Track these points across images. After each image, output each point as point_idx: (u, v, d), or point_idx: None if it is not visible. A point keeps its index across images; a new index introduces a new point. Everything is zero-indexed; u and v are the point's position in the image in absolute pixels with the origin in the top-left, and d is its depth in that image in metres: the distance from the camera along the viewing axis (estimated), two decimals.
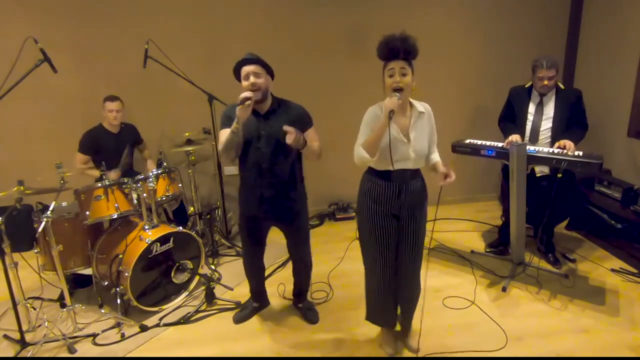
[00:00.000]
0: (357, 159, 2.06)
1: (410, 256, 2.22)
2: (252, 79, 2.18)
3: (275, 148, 2.25)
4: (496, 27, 4.25)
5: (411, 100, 2.13)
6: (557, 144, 2.82)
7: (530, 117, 3.05)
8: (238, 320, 2.72)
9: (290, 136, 2.10)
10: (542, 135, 3.01)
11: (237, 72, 2.26)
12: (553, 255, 3.30)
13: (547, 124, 3.01)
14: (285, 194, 2.36)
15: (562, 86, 3.04)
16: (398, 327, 2.49)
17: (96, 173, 3.34)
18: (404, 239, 2.20)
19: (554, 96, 3.02)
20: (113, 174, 3.21)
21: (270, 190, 2.32)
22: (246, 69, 2.20)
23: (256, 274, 2.71)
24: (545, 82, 2.93)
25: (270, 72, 2.28)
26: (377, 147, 1.99)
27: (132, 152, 3.61)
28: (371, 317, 2.43)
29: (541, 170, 3.07)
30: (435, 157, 2.26)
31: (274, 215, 2.40)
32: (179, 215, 3.73)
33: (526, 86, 3.12)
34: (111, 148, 3.40)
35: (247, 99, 2.10)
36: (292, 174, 2.37)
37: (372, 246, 2.19)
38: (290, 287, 2.84)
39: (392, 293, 2.29)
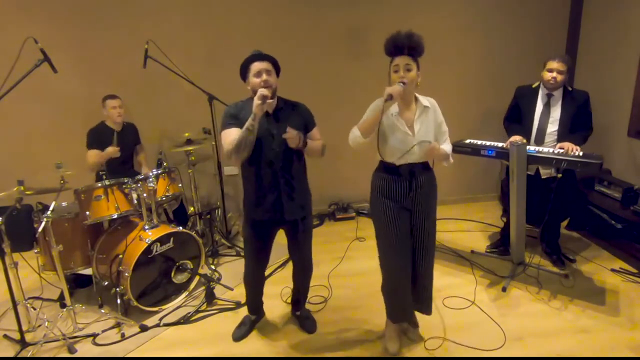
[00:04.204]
0: (350, 139, 2.14)
1: (424, 247, 2.29)
2: (264, 76, 2.12)
3: (288, 147, 2.18)
4: (496, 27, 4.25)
5: (416, 95, 2.18)
6: (558, 146, 2.82)
7: (537, 118, 3.02)
8: (238, 338, 2.60)
9: (294, 140, 2.11)
10: (548, 137, 2.99)
11: (245, 68, 2.19)
12: (557, 257, 3.30)
13: (553, 127, 2.98)
14: (298, 194, 2.29)
15: (570, 88, 3.01)
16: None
17: (112, 150, 3.29)
18: (418, 232, 2.25)
19: (561, 98, 2.99)
20: (111, 149, 3.25)
21: (287, 191, 2.25)
22: (258, 65, 2.14)
23: (257, 285, 2.60)
24: (554, 75, 2.89)
25: (278, 71, 2.24)
26: (372, 128, 2.06)
27: (132, 152, 3.62)
28: (393, 315, 2.43)
29: (547, 172, 3.06)
30: (444, 146, 2.25)
31: (288, 217, 2.29)
32: (179, 215, 3.73)
33: (533, 86, 3.09)
34: (114, 145, 3.39)
35: (266, 97, 2.05)
36: (302, 172, 2.34)
37: (389, 242, 2.22)
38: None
39: (410, 287, 2.32)
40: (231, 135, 2.15)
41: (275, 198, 2.25)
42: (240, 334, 2.62)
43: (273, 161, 2.20)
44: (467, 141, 3.09)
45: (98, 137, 3.35)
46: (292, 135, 2.11)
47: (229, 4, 3.92)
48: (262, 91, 2.06)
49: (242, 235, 2.63)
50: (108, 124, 3.42)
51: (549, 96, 3.01)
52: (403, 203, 2.19)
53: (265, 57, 2.17)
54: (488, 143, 3.02)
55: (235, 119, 2.19)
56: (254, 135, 2.11)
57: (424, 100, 2.19)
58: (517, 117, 3.14)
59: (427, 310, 2.48)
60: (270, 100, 2.10)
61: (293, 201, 2.28)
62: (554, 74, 2.91)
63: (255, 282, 2.59)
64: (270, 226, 2.37)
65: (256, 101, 2.05)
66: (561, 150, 2.78)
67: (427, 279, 2.39)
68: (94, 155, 3.29)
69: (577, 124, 2.97)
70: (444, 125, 2.27)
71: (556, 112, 2.99)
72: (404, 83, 2.01)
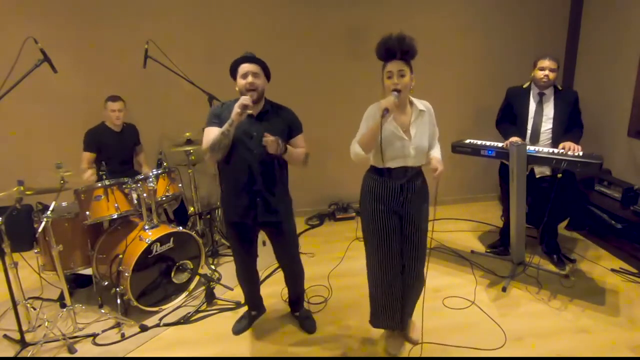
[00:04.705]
0: (352, 155, 2.12)
1: (414, 254, 2.25)
2: (250, 78, 2.14)
3: (267, 150, 2.15)
4: (496, 27, 4.25)
5: (411, 98, 2.16)
6: (561, 145, 2.81)
7: (531, 117, 3.04)
8: (237, 331, 2.64)
9: (272, 145, 2.08)
10: (542, 136, 3.01)
11: (234, 70, 2.20)
12: (557, 257, 3.29)
13: (547, 125, 3.00)
14: (274, 198, 2.28)
15: (560, 87, 3.04)
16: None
17: (91, 177, 3.33)
18: (407, 236, 2.22)
19: (552, 97, 3.01)
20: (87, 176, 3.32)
21: (261, 194, 2.24)
22: (245, 67, 2.15)
23: (251, 283, 2.62)
24: (547, 73, 2.91)
25: (267, 74, 2.24)
26: (372, 144, 2.02)
27: (132, 153, 3.62)
28: (376, 321, 2.41)
29: (541, 171, 3.07)
30: (434, 152, 2.24)
31: (263, 220, 2.29)
32: (179, 216, 3.72)
33: (524, 86, 3.11)
34: (114, 146, 3.41)
35: (246, 107, 2.06)
36: (281, 177, 2.32)
37: (376, 245, 2.20)
38: None
39: (397, 293, 2.28)
40: (210, 134, 2.17)
41: (249, 200, 2.24)
42: (239, 328, 2.65)
43: (250, 163, 2.20)
44: (467, 141, 3.09)
45: (95, 138, 3.37)
46: (269, 141, 2.08)
47: (229, 4, 3.92)
48: (243, 99, 2.07)
49: (226, 234, 2.63)
50: (108, 124, 3.43)
51: (540, 95, 3.02)
52: (393, 206, 2.15)
53: (254, 60, 2.18)
54: (488, 143, 3.02)
55: (217, 118, 2.21)
56: (229, 140, 2.12)
57: (419, 104, 2.16)
58: (510, 119, 3.14)
59: (407, 321, 2.46)
60: (250, 111, 2.11)
61: (267, 206, 2.27)
62: (546, 72, 2.93)
63: (246, 278, 2.59)
64: (247, 227, 2.37)
65: (235, 109, 2.06)
66: (563, 150, 2.77)
67: (416, 289, 2.35)
68: (87, 161, 3.37)
69: (570, 122, 2.98)
70: (436, 127, 2.26)
71: (549, 111, 3.00)
72: (398, 91, 1.98)
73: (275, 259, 2.55)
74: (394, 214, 2.17)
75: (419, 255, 2.27)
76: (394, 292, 2.27)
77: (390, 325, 2.40)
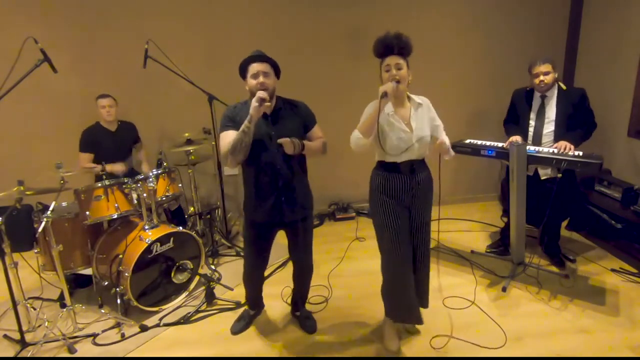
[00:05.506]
0: (352, 142, 2.13)
1: (423, 244, 2.33)
2: (261, 78, 2.11)
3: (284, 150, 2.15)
4: (496, 27, 4.25)
5: (409, 94, 2.21)
6: (555, 145, 2.82)
7: (532, 121, 3.03)
8: (236, 331, 2.63)
9: (289, 146, 2.09)
10: (544, 138, 2.99)
11: (243, 69, 2.17)
12: (558, 258, 3.29)
13: (549, 127, 2.98)
14: (298, 194, 2.27)
15: (563, 87, 3.02)
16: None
17: (115, 167, 3.37)
18: (417, 228, 2.29)
19: (555, 98, 3.00)
20: (119, 167, 3.34)
21: (286, 193, 2.23)
22: (255, 66, 2.12)
23: (256, 284, 2.63)
24: (542, 78, 2.91)
25: (277, 72, 2.22)
26: (372, 128, 2.07)
27: (131, 151, 3.63)
28: (397, 315, 2.42)
29: (546, 173, 3.06)
30: (445, 139, 2.29)
31: (288, 218, 2.28)
32: (177, 216, 3.71)
33: (528, 89, 3.11)
34: (109, 145, 3.41)
35: (264, 100, 2.03)
36: (302, 172, 2.32)
37: (390, 240, 2.22)
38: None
39: (413, 287, 2.33)
40: (227, 138, 2.14)
41: (274, 200, 2.24)
42: (238, 328, 2.65)
43: (271, 163, 2.19)
44: (467, 141, 3.09)
45: (90, 138, 3.38)
46: (285, 142, 2.09)
47: (229, 4, 3.92)
48: (260, 94, 2.04)
49: (243, 236, 2.63)
50: (102, 124, 3.43)
51: (542, 97, 3.02)
52: (403, 200, 2.21)
53: (264, 59, 2.15)
54: (488, 143, 3.02)
55: (232, 121, 2.17)
56: (250, 138, 2.09)
57: (417, 98, 2.23)
58: (517, 119, 3.15)
59: (424, 303, 2.50)
60: (268, 104, 2.08)
61: (292, 202, 2.26)
62: (541, 77, 2.92)
63: (254, 281, 2.62)
64: (269, 228, 2.37)
65: (253, 103, 2.04)
66: (557, 150, 2.78)
67: (425, 273, 2.42)
68: (86, 161, 3.36)
69: (576, 121, 2.96)
70: (437, 119, 2.30)
71: (551, 113, 2.99)
72: (397, 81, 2.04)
73: (289, 254, 2.53)
74: (404, 208, 2.23)
75: (427, 242, 2.36)
76: (410, 286, 2.32)
77: (411, 320, 2.44)
